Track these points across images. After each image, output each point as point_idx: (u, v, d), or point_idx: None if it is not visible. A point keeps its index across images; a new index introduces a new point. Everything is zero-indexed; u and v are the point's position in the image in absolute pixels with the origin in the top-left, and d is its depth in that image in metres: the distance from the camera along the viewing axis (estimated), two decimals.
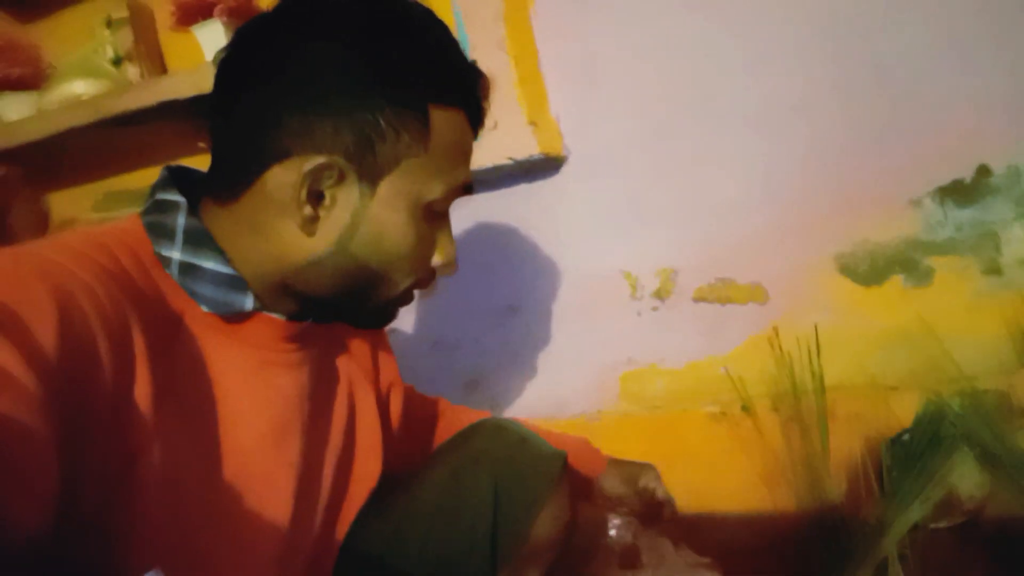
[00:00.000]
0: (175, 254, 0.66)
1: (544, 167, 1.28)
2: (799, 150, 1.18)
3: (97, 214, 1.44)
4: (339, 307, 0.73)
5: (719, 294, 1.24)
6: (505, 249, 1.36)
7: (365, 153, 0.66)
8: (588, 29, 1.25)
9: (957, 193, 1.13)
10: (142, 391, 0.59)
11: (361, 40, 0.66)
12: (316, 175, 0.64)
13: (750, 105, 1.20)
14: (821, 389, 1.14)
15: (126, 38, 1.47)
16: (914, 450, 0.90)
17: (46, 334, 0.50)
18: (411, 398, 0.98)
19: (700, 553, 1.11)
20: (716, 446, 1.23)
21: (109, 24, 1.48)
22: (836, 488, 1.11)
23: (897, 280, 1.17)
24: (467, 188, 0.74)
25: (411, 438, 0.98)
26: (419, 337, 1.42)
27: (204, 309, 0.66)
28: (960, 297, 1.14)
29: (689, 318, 1.26)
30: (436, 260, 0.74)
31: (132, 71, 1.47)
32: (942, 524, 1.05)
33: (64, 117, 1.37)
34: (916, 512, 0.89)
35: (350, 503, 0.83)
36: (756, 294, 1.22)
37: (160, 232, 0.66)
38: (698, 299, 1.25)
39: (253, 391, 0.70)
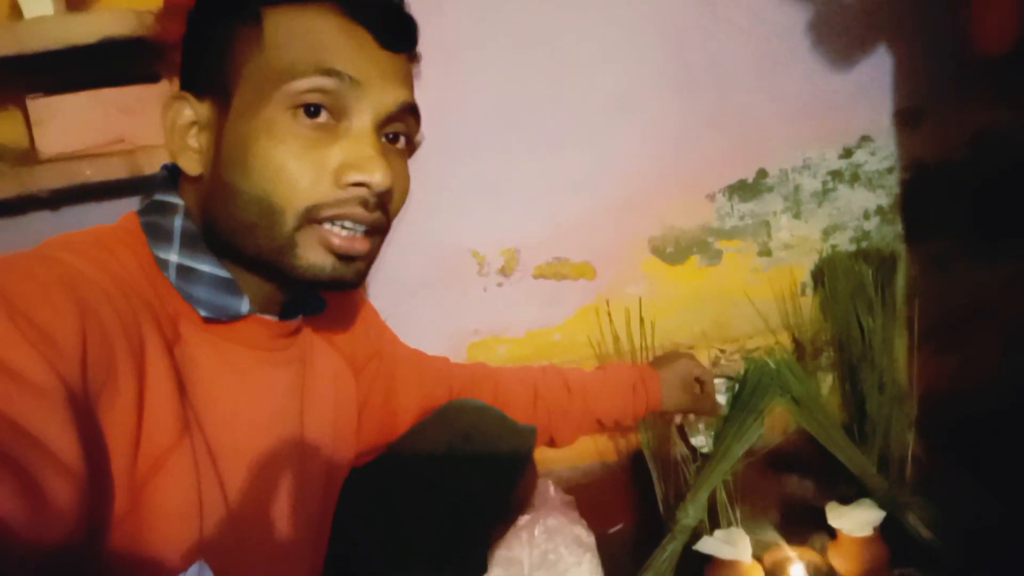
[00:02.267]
0: (172, 257, 0.66)
1: None
2: (624, 147, 1.38)
3: None
4: (256, 257, 0.67)
5: (555, 271, 1.43)
6: None
7: (210, 74, 0.66)
8: (443, 16, 1.33)
9: (741, 190, 1.41)
10: (164, 391, 0.60)
11: None
12: (175, 112, 0.67)
13: (592, 100, 1.37)
14: (634, 348, 1.38)
15: None
16: (743, 397, 1.15)
17: (67, 339, 0.50)
18: (412, 363, 1.02)
19: None
20: None
21: None
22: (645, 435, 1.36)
23: (695, 259, 1.44)
24: (328, 73, 0.63)
25: (416, 397, 0.99)
26: None
27: (202, 314, 0.66)
28: (741, 273, 1.44)
29: (529, 292, 1.43)
30: (348, 177, 0.64)
31: None
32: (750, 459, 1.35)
33: None
34: (745, 444, 1.14)
35: (334, 491, 0.86)
36: (586, 271, 1.43)
37: (157, 234, 0.66)
38: (537, 276, 1.42)
39: (250, 390, 0.71)
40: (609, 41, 1.35)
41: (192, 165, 0.67)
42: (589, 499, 1.30)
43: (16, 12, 1.20)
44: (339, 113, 0.64)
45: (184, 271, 0.66)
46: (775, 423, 1.30)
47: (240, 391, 0.70)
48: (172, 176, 0.71)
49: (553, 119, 1.37)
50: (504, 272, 1.42)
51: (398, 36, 0.70)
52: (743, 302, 1.43)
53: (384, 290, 1.42)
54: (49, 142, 1.26)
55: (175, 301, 0.66)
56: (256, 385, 0.72)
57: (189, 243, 0.67)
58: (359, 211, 0.65)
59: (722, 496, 1.18)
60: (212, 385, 0.68)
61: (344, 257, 0.66)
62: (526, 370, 1.15)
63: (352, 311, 0.93)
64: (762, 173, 1.41)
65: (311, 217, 0.64)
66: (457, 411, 0.94)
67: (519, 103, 1.37)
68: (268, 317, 0.73)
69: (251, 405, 0.72)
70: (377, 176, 0.64)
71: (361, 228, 0.67)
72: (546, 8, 1.33)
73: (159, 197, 0.69)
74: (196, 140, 0.67)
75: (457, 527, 0.86)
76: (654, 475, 1.27)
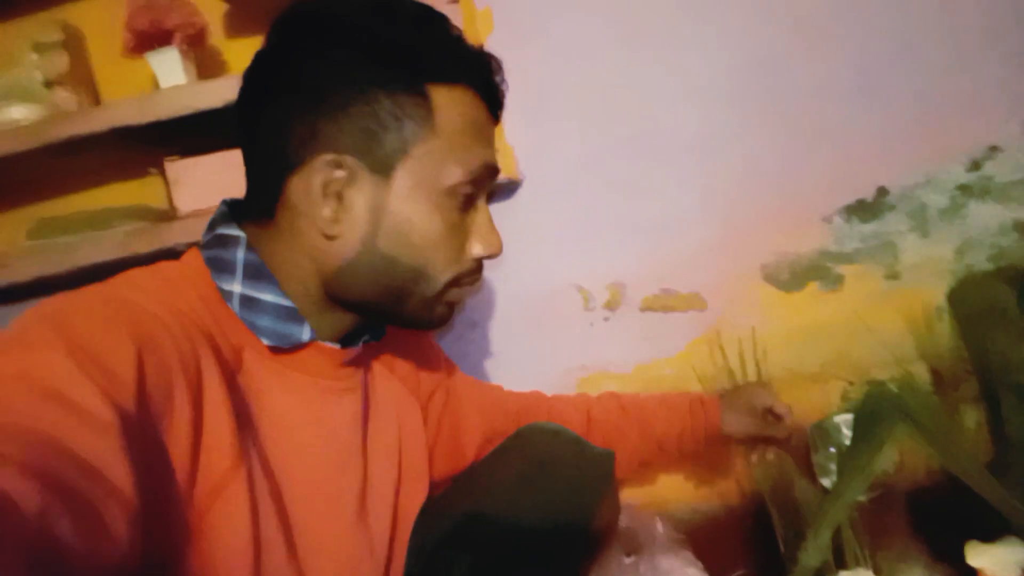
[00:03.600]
0: (236, 288, 0.69)
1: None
2: (729, 174, 1.36)
3: (31, 241, 1.42)
4: (386, 310, 0.74)
5: (663, 303, 1.40)
6: None
7: (371, 145, 0.67)
8: (538, 63, 1.37)
9: (861, 210, 1.34)
10: (220, 424, 0.61)
11: (351, 35, 0.68)
12: (326, 173, 0.67)
13: (685, 133, 1.36)
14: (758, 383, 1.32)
15: (57, 62, 1.47)
16: (862, 426, 1.08)
17: (126, 375, 0.52)
18: (473, 392, 1.02)
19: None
20: None
21: (37, 47, 1.47)
22: (790, 468, 1.28)
23: (813, 286, 1.37)
24: (491, 170, 0.73)
25: (480, 426, 1.00)
26: None
27: (265, 342, 0.69)
28: (866, 298, 1.35)
29: (637, 326, 1.41)
30: (477, 250, 0.73)
31: (63, 96, 1.47)
32: (866, 497, 1.25)
33: (4, 143, 1.35)
34: (866, 479, 1.06)
35: (403, 522, 0.85)
36: (696, 302, 1.39)
37: (221, 267, 0.69)
38: (644, 309, 1.41)
39: (315, 419, 0.74)
40: (701, 69, 1.34)
41: (333, 227, 0.69)
42: (707, 542, 1.25)
43: (154, 83, 1.35)
44: (475, 192, 0.73)
45: (247, 301, 0.69)
46: (908, 455, 1.21)
47: (304, 419, 0.73)
48: (232, 211, 0.74)
49: (653, 150, 1.37)
50: (610, 306, 1.41)
51: (502, 108, 0.78)
52: (869, 330, 1.35)
53: (490, 329, 1.45)
54: (186, 200, 1.39)
55: (239, 332, 0.69)
56: (320, 413, 0.74)
57: (252, 274, 0.69)
58: (479, 276, 0.77)
59: (848, 535, 1.10)
60: (276, 413, 0.70)
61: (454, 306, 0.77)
62: (581, 396, 1.15)
63: (414, 342, 0.95)
64: (882, 191, 1.33)
65: (452, 283, 0.73)
66: (531, 437, 0.92)
67: (617, 138, 1.38)
68: (330, 345, 0.75)
69: (315, 433, 0.74)
70: (499, 248, 0.75)
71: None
72: (636, 41, 1.35)
73: (221, 231, 0.72)
74: (343, 202, 0.69)
75: (538, 560, 0.84)
76: (773, 515, 1.20)
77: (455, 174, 0.69)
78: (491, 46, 1.37)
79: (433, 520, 0.86)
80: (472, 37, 1.34)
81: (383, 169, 0.68)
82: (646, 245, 1.40)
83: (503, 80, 0.77)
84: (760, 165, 1.36)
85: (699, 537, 1.26)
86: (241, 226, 0.73)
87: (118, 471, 0.47)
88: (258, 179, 0.73)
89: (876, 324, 1.34)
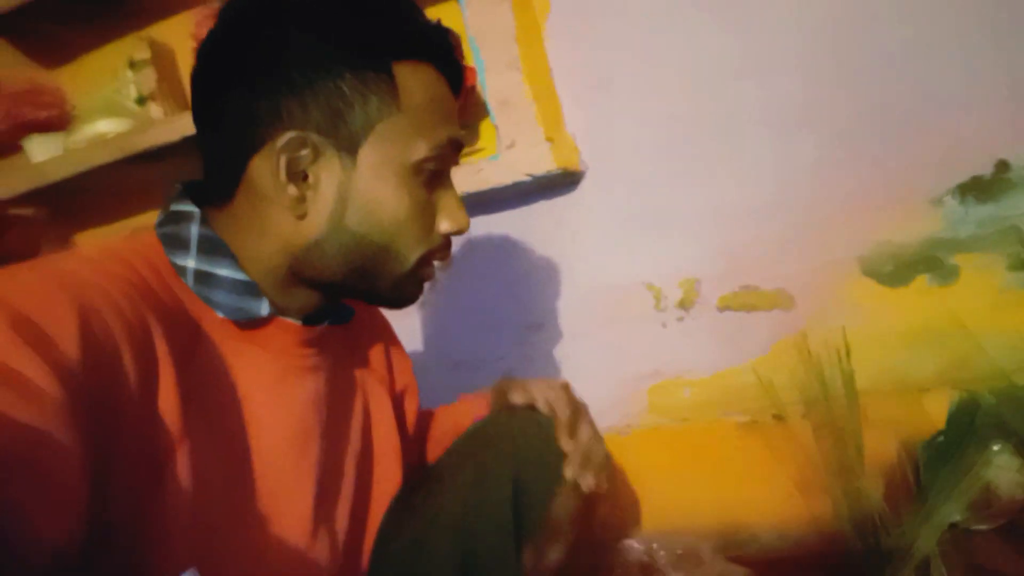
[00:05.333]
0: (190, 263, 0.68)
1: (562, 182, 1.33)
2: (813, 153, 1.22)
3: None
4: (355, 288, 0.74)
5: (743, 302, 1.28)
6: (526, 266, 1.41)
7: (336, 123, 0.68)
8: (599, 44, 1.31)
9: (977, 189, 1.16)
10: (167, 397, 0.61)
11: (311, 14, 0.68)
12: (290, 153, 0.67)
13: (762, 110, 1.25)
14: (853, 393, 1.17)
15: (149, 78, 1.56)
16: (948, 445, 0.93)
17: (69, 344, 0.52)
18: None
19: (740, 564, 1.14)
20: (748, 456, 1.26)
21: (132, 65, 1.57)
22: (873, 494, 1.13)
23: (922, 279, 1.20)
24: (456, 145, 0.75)
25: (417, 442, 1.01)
26: (440, 357, 1.46)
27: (220, 315, 0.68)
28: (986, 293, 1.16)
29: (714, 327, 1.29)
30: (445, 226, 0.75)
31: (156, 110, 1.56)
32: (983, 526, 1.07)
33: (89, 155, 1.45)
34: (951, 509, 0.91)
35: (374, 508, 0.85)
36: (781, 300, 1.26)
37: (175, 242, 0.69)
38: (723, 308, 1.29)
39: (275, 397, 0.72)
40: (778, 37, 1.22)
41: (299, 206, 0.69)
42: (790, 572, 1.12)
43: None
44: (441, 168, 0.74)
45: (202, 276, 0.68)
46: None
47: (267, 396, 0.72)
48: (186, 189, 0.74)
49: (727, 131, 1.27)
50: (683, 306, 1.31)
51: (462, 84, 0.79)
52: (991, 331, 1.16)
53: (554, 332, 1.38)
54: None
55: (197, 307, 0.68)
56: (281, 390, 0.73)
57: (207, 249, 0.69)
58: (449, 253, 0.78)
59: (940, 570, 0.94)
60: (236, 389, 0.70)
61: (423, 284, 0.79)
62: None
63: (387, 336, 0.97)
64: (1002, 166, 1.15)
65: (422, 261, 0.74)
66: (490, 421, 0.93)
67: (686, 120, 1.29)
68: (291, 320, 0.74)
69: (276, 410, 0.72)
70: (466, 225, 0.76)
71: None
72: (705, 21, 1.25)
73: (175, 208, 0.72)
74: (309, 181, 0.69)
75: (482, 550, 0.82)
76: (854, 544, 1.05)
77: (421, 149, 0.70)
78: (550, 28, 1.34)
79: (397, 511, 0.86)
80: (529, 18, 1.32)
81: (349, 147, 0.69)
82: (723, 236, 1.29)
83: (458, 52, 0.78)
84: (853, 140, 1.21)
85: (782, 567, 1.13)
86: (203, 209, 0.72)
87: (65, 436, 0.48)
88: (218, 162, 0.72)
89: (998, 324, 1.15)
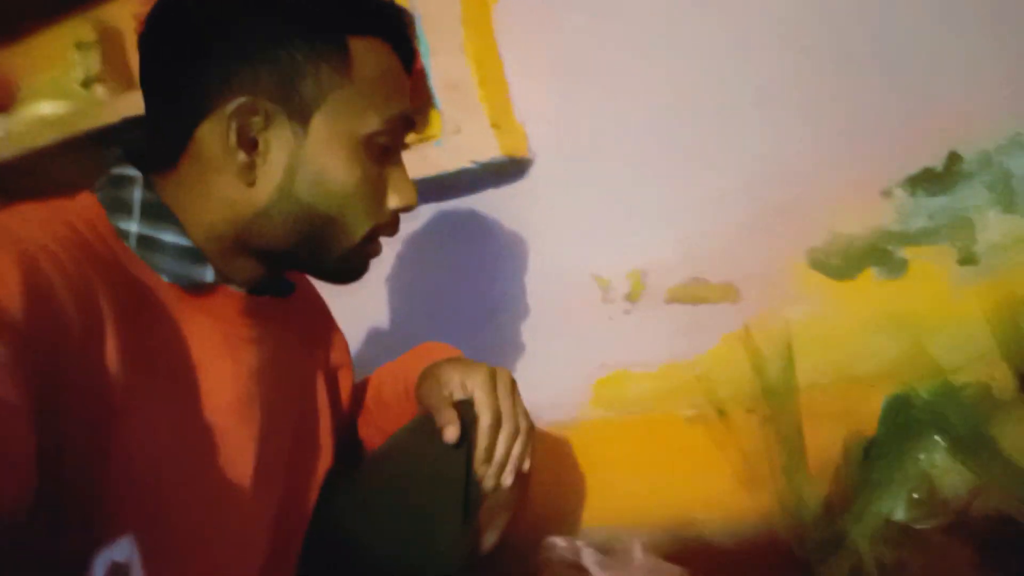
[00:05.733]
0: (133, 227, 0.69)
1: (509, 170, 1.31)
2: (765, 146, 1.20)
3: None
4: (301, 259, 0.76)
5: (691, 294, 1.26)
6: (472, 256, 1.39)
7: (288, 91, 0.69)
8: (550, 28, 1.28)
9: (928, 181, 1.14)
10: (113, 354, 0.61)
11: None
12: (241, 118, 0.67)
13: (713, 101, 1.22)
14: (793, 388, 1.15)
15: (95, 60, 1.53)
16: (881, 441, 0.91)
17: (11, 300, 0.52)
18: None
19: (682, 561, 1.12)
20: (694, 451, 1.24)
21: (78, 47, 1.54)
22: (814, 490, 1.11)
23: (870, 273, 1.18)
24: (407, 121, 0.77)
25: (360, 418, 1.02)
26: (393, 343, 1.44)
27: (165, 279, 0.69)
28: (936, 287, 1.14)
29: (662, 320, 1.27)
30: (395, 202, 0.76)
31: (101, 92, 1.53)
32: (927, 524, 1.05)
33: (31, 137, 1.43)
34: (885, 504, 0.90)
35: (311, 480, 0.86)
36: (728, 293, 1.24)
37: (117, 206, 0.69)
38: (671, 300, 1.27)
39: (220, 363, 0.73)
40: (735, 32, 1.20)
41: (248, 174, 0.70)
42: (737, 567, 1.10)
43: None
44: (391, 142, 0.76)
45: (145, 240, 0.69)
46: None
47: (213, 361, 0.72)
48: (127, 156, 0.74)
49: (681, 121, 1.24)
50: (631, 298, 1.28)
51: (413, 61, 0.81)
52: (943, 325, 1.14)
53: (502, 324, 1.36)
54: None
55: (142, 270, 0.69)
56: (227, 358, 0.74)
57: (151, 214, 0.69)
58: (396, 229, 0.79)
59: (871, 566, 0.92)
60: (187, 352, 0.71)
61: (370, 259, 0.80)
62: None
63: (324, 314, 1.00)
64: (954, 158, 1.12)
65: (371, 235, 0.76)
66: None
67: (642, 106, 1.25)
68: (236, 289, 0.76)
69: (223, 376, 0.73)
70: (414, 201, 0.78)
71: None
72: (658, 9, 1.22)
73: (115, 172, 0.72)
74: (259, 148, 0.70)
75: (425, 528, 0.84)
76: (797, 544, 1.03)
77: (372, 122, 0.72)
78: (499, 10, 1.31)
79: (340, 483, 0.88)
80: None
81: (301, 116, 0.69)
82: (672, 228, 1.26)
83: (410, 30, 0.80)
84: (805, 131, 1.18)
85: (725, 564, 1.12)
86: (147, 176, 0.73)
87: (10, 393, 0.48)
88: (164, 128, 0.73)
89: (948, 318, 1.13)
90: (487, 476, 0.83)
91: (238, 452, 0.74)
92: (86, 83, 1.52)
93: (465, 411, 0.84)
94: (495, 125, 1.23)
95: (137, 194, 0.70)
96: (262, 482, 0.77)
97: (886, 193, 1.16)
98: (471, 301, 1.39)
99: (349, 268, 0.78)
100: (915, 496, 0.94)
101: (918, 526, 1.01)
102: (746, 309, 1.23)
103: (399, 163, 0.78)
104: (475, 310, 1.39)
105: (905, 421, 0.88)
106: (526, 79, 1.31)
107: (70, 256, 0.60)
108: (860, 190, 1.17)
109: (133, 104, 1.36)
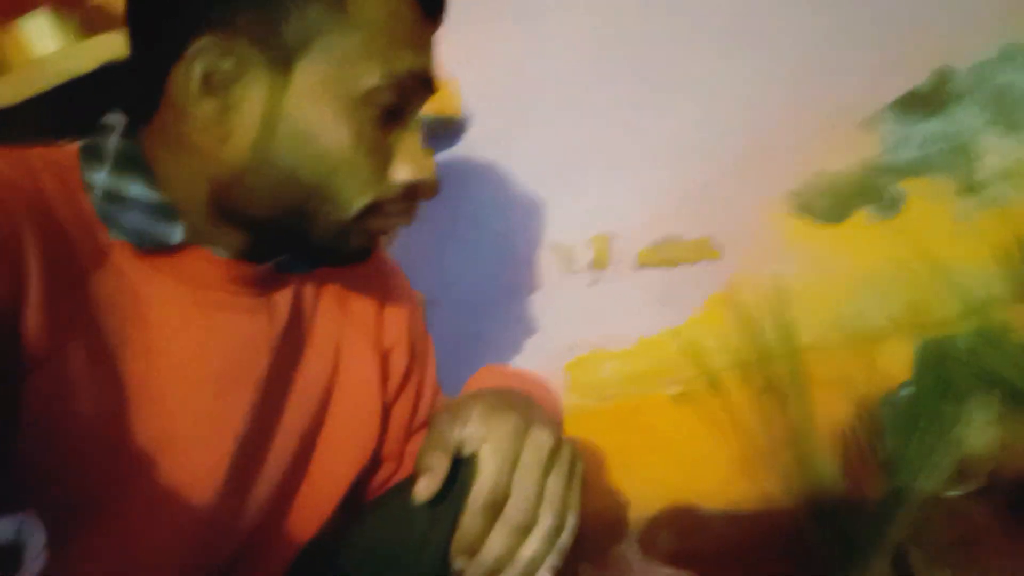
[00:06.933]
0: (100, 179, 0.63)
1: (441, 132, 1.17)
2: (729, 81, 1.09)
3: None
4: (287, 233, 0.66)
5: (665, 256, 1.14)
6: (412, 234, 1.23)
7: (267, 32, 0.60)
8: None
9: (915, 104, 1.05)
10: (33, 315, 0.57)
11: None
12: (207, 62, 0.60)
13: (676, 38, 1.11)
14: (795, 350, 1.05)
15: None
16: (916, 401, 0.79)
17: None
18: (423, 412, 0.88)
19: (684, 563, 1.03)
20: (685, 432, 1.13)
21: None
22: (828, 465, 1.01)
23: (862, 213, 1.08)
24: (422, 80, 0.65)
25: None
26: None
27: (115, 237, 0.62)
28: (936, 223, 1.05)
29: (635, 288, 1.16)
30: (403, 174, 0.65)
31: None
32: (956, 491, 0.96)
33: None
34: (928, 481, 0.79)
35: (325, 485, 0.77)
36: (706, 250, 1.13)
37: (92, 155, 0.64)
38: (643, 264, 1.16)
39: (189, 332, 0.66)
40: None
41: (216, 128, 0.62)
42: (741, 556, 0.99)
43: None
44: (400, 105, 0.64)
45: (110, 195, 0.63)
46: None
47: (178, 332, 0.66)
48: (121, 102, 0.69)
49: (635, 59, 1.12)
50: (597, 266, 1.16)
51: (441, 8, 0.68)
52: (947, 266, 1.04)
53: (454, 308, 1.23)
54: None
55: (97, 225, 0.63)
56: (198, 328, 0.67)
57: (121, 163, 0.64)
58: (411, 207, 0.67)
59: (917, 556, 0.81)
60: (144, 322, 0.64)
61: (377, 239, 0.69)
62: None
63: (383, 284, 0.86)
64: (941, 76, 1.03)
65: (369, 212, 0.64)
66: None
67: (588, 46, 1.13)
68: (213, 253, 0.66)
69: (188, 350, 0.66)
70: (430, 175, 0.66)
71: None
72: None
73: (104, 120, 0.67)
74: (230, 98, 0.62)
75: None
76: (810, 526, 0.92)
77: (372, 77, 0.61)
78: None
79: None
80: None
81: (281, 62, 0.60)
82: (637, 182, 1.15)
83: None
84: (774, 61, 1.08)
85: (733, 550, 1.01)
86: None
87: None
88: (140, 70, 0.66)
89: (952, 257, 1.04)
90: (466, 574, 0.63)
91: (210, 432, 0.67)
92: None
93: (465, 470, 0.62)
94: None
95: (114, 140, 0.65)
96: (243, 466, 0.69)
97: (870, 122, 1.07)
98: (416, 286, 1.24)
99: (346, 247, 0.67)
100: (955, 461, 0.83)
101: (950, 494, 0.92)
102: (728, 266, 1.13)
103: (412, 131, 0.66)
104: (421, 296, 1.24)
105: (942, 375, 0.76)
106: (456, 28, 1.16)
107: (3, 206, 0.56)
108: (841, 121, 1.08)
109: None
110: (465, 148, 1.19)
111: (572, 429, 1.17)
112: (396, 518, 0.69)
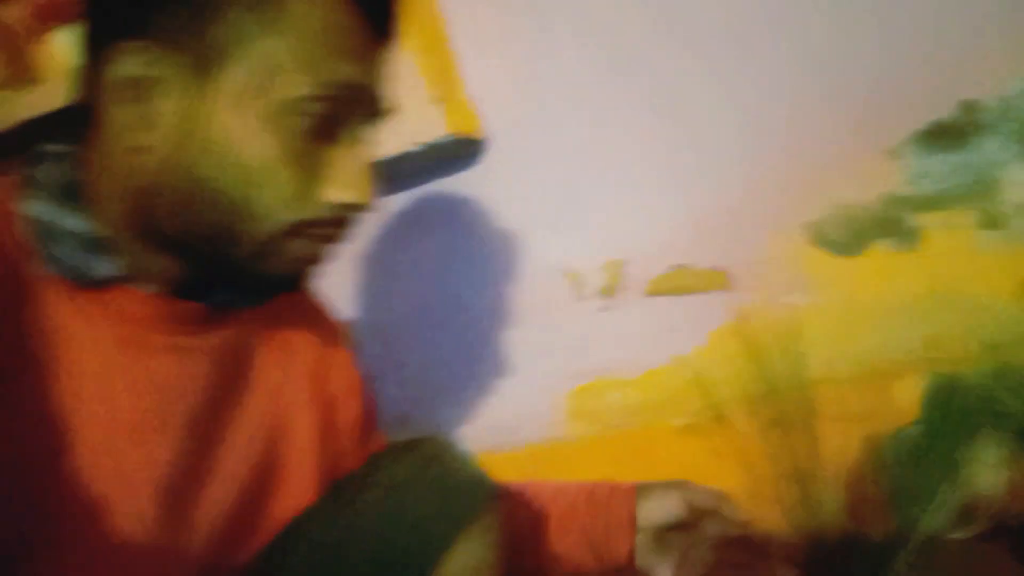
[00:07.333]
0: (34, 210, 0.61)
1: (459, 153, 1.19)
2: (750, 109, 1.09)
3: None
4: (203, 253, 0.63)
5: (677, 284, 1.13)
6: (422, 255, 1.27)
7: (188, 36, 0.58)
8: None
9: (939, 136, 1.02)
10: None
11: None
12: (120, 68, 0.58)
13: (692, 65, 1.11)
14: (803, 383, 1.02)
15: None
16: (923, 438, 0.76)
17: None
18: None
19: None
20: (690, 465, 1.10)
21: None
22: (833, 502, 0.98)
23: (880, 246, 1.06)
24: (357, 91, 0.62)
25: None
26: None
27: (54, 273, 0.61)
28: (957, 258, 1.02)
29: (644, 316, 1.15)
30: (333, 193, 0.62)
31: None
32: (960, 534, 0.91)
33: None
34: (932, 521, 0.75)
35: (260, 519, 0.75)
36: (718, 280, 1.11)
37: (28, 185, 0.62)
38: (653, 293, 1.15)
39: (112, 372, 0.64)
40: None
41: (135, 135, 0.61)
42: None
43: None
44: (335, 119, 0.62)
45: (45, 227, 0.61)
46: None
47: (102, 372, 0.64)
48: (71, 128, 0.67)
49: (655, 94, 1.12)
50: (607, 293, 1.16)
51: (391, 23, 0.66)
52: (967, 302, 1.01)
53: (459, 332, 1.24)
54: None
55: (30, 259, 0.62)
56: (121, 365, 0.65)
57: (58, 194, 0.62)
58: (340, 231, 0.66)
59: None
60: (69, 360, 0.62)
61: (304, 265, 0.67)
62: None
63: (327, 330, 0.86)
64: (967, 108, 1.00)
65: (293, 232, 0.62)
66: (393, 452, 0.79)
67: (608, 74, 1.14)
68: (140, 289, 0.65)
69: (111, 390, 0.64)
70: (363, 196, 0.63)
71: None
72: None
73: (44, 147, 0.65)
74: (151, 104, 0.60)
75: None
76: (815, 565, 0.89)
77: (301, 86, 0.59)
78: None
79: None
80: None
81: (203, 68, 0.59)
82: (650, 210, 1.14)
83: None
84: (794, 90, 1.07)
85: None
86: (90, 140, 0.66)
87: None
88: (78, 87, 0.65)
89: (972, 292, 1.01)
90: None
91: (134, 475, 0.65)
92: None
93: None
94: (439, 100, 1.11)
95: (49, 171, 0.63)
96: (177, 511, 0.67)
97: (892, 153, 1.04)
98: (419, 308, 1.27)
99: (266, 270, 0.64)
100: (961, 502, 0.79)
101: (954, 536, 0.87)
102: (740, 297, 1.11)
103: (350, 146, 0.63)
104: (425, 318, 1.27)
105: (951, 412, 0.73)
106: (476, 50, 1.19)
107: None
108: (861, 151, 1.05)
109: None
110: (485, 168, 1.21)
111: (575, 457, 1.17)
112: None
